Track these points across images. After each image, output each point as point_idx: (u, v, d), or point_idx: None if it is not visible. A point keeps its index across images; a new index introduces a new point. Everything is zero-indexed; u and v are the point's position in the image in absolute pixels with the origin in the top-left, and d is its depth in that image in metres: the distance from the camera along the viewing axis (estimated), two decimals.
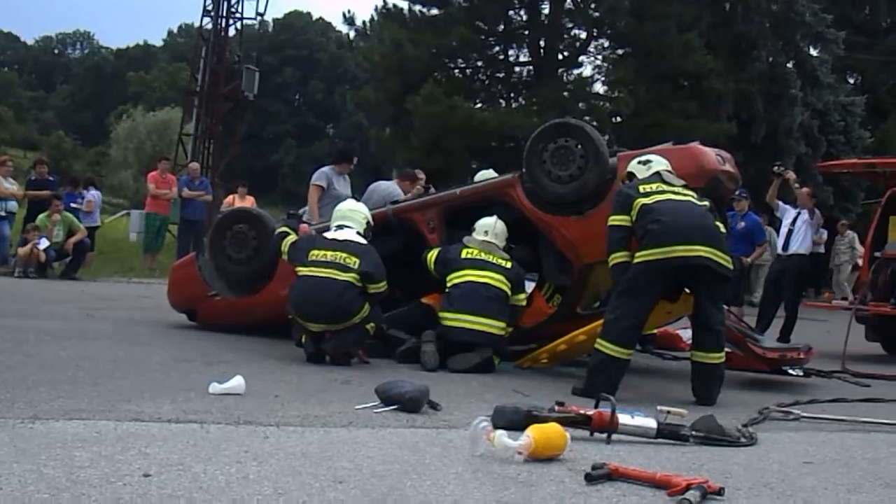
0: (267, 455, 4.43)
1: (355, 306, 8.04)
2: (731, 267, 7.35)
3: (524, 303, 8.78)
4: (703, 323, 7.33)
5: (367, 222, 8.71)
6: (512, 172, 9.16)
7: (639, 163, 7.87)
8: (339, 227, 8.56)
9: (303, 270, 8.23)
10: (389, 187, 11.78)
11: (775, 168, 14.20)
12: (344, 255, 8.18)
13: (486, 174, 10.30)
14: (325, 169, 12.35)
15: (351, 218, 8.67)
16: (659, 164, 7.76)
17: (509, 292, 8.51)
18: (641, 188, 7.42)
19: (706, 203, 7.51)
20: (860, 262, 15.15)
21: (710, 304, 7.30)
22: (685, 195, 7.45)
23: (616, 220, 7.39)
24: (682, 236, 7.05)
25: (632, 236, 7.29)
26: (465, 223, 8.93)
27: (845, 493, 4.54)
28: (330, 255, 8.20)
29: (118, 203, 52.55)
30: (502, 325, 8.39)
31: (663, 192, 7.37)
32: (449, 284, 8.52)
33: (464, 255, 8.60)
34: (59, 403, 5.31)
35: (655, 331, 9.86)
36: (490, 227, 8.81)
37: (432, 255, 8.75)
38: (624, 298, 7.20)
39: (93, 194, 19.74)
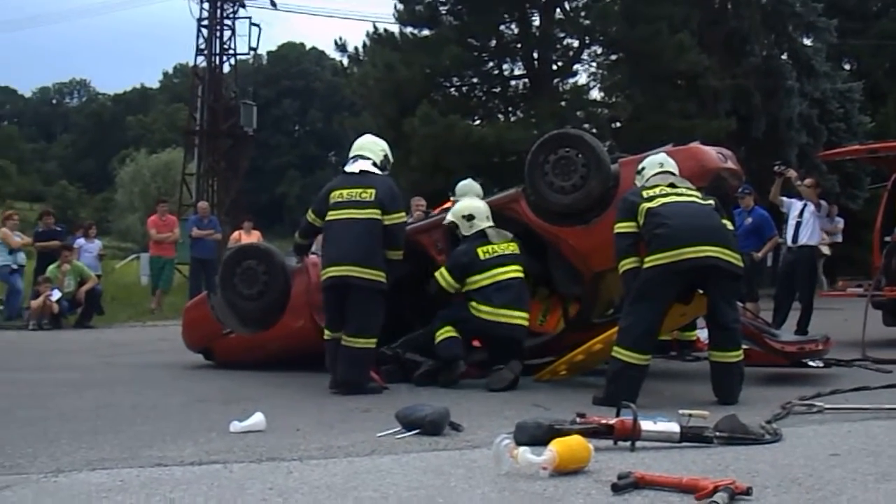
0: (291, 490, 4.42)
1: (379, 255, 7.97)
2: (741, 264, 7.35)
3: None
4: (719, 322, 7.31)
5: (385, 155, 8.52)
6: (515, 187, 9.16)
7: (637, 173, 7.93)
8: (355, 158, 8.41)
9: (326, 218, 8.19)
10: None
11: (776, 168, 14.17)
12: (359, 189, 8.09)
13: (467, 185, 10.20)
14: None
15: (369, 149, 8.50)
16: (651, 167, 7.80)
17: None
18: (645, 193, 7.43)
19: (711, 202, 7.51)
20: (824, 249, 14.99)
21: (724, 303, 7.28)
22: (689, 195, 7.45)
23: (622, 227, 7.39)
24: (690, 238, 7.04)
25: (639, 241, 7.29)
26: None
27: (874, 483, 4.51)
28: (346, 193, 8.12)
29: (127, 247, 52.55)
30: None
31: (667, 194, 7.37)
32: (476, 286, 8.44)
33: (482, 255, 8.52)
34: (81, 454, 5.32)
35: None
36: (485, 211, 8.81)
37: (443, 269, 8.65)
38: (637, 304, 7.19)
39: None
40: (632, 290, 7.24)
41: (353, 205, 8.02)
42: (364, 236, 7.96)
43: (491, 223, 8.72)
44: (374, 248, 7.98)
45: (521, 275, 8.51)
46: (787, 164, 15.45)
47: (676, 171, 7.76)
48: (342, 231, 8.03)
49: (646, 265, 7.13)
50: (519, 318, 8.37)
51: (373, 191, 8.03)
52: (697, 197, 7.49)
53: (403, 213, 8.30)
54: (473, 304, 8.39)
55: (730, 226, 7.60)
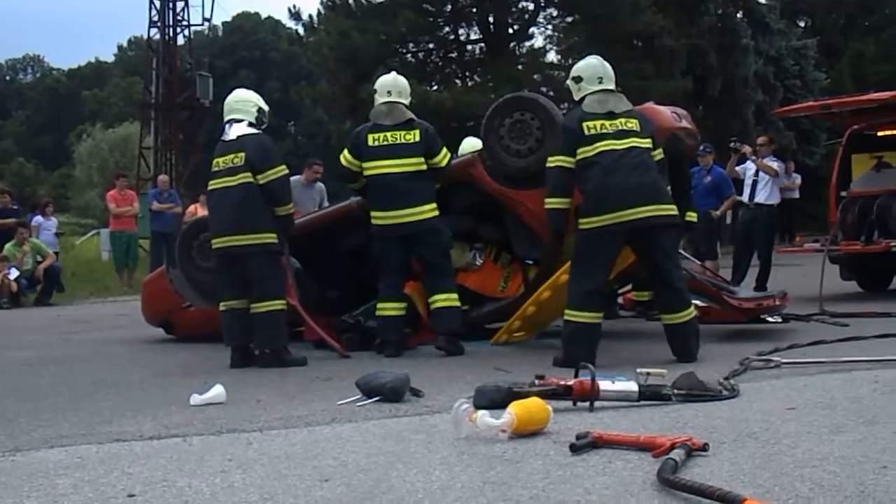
0: (251, 461, 4.41)
1: (260, 218, 7.84)
2: (676, 213, 7.26)
3: (446, 159, 8.47)
4: (664, 283, 7.27)
5: (259, 109, 8.21)
6: (471, 152, 9.15)
7: (574, 81, 7.58)
8: (229, 122, 8.16)
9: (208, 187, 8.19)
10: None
11: (732, 144, 14.33)
12: (231, 155, 7.93)
13: (470, 141, 10.29)
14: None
15: (240, 109, 8.21)
16: (590, 81, 7.45)
17: (426, 166, 8.28)
18: (585, 127, 7.17)
19: (648, 140, 7.30)
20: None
21: (667, 263, 7.21)
22: (627, 138, 7.20)
23: (559, 160, 7.26)
24: (623, 201, 6.94)
25: (572, 182, 7.23)
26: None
27: (828, 435, 4.56)
28: (222, 161, 7.99)
29: (87, 223, 52.06)
30: (431, 206, 8.27)
31: (605, 136, 7.14)
32: (366, 174, 8.32)
33: (371, 142, 8.30)
34: (39, 433, 5.28)
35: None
36: (392, 86, 8.55)
37: (345, 149, 8.53)
38: (581, 265, 7.14)
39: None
40: (574, 253, 7.19)
41: (228, 172, 7.92)
42: (238, 205, 7.84)
43: (395, 100, 8.47)
44: (251, 213, 7.85)
45: (419, 168, 8.23)
46: (741, 142, 15.44)
47: (613, 83, 7.52)
48: (219, 201, 8.01)
49: (582, 226, 7.08)
50: (398, 216, 8.11)
51: (243, 154, 7.87)
52: (635, 136, 7.24)
53: (281, 167, 8.01)
54: (371, 212, 8.31)
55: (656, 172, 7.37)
